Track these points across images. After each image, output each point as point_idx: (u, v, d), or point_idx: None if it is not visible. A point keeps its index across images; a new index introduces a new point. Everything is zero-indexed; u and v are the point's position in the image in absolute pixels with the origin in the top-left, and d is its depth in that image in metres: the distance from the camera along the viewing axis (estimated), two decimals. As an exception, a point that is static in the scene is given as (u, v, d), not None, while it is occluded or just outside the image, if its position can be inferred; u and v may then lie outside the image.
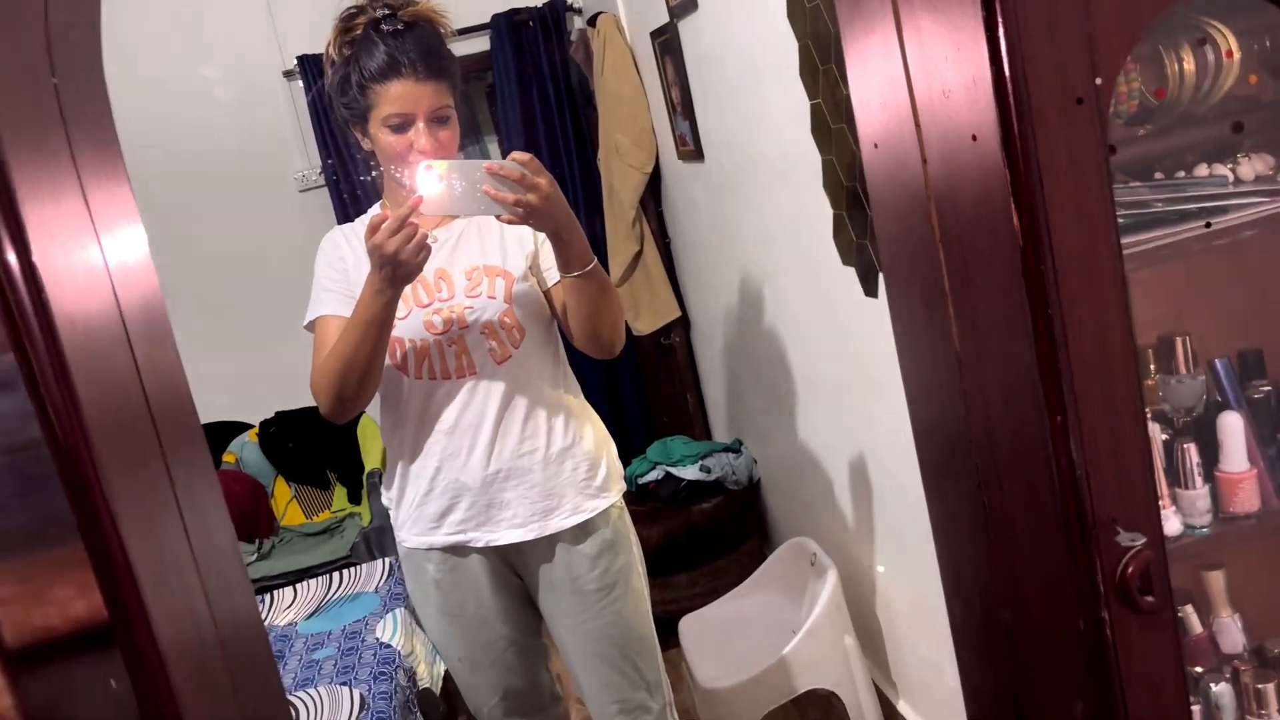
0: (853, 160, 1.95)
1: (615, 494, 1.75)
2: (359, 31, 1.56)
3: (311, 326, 1.66)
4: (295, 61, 3.74)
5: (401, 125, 1.55)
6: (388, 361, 1.63)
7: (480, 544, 1.68)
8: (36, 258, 0.65)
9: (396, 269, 1.41)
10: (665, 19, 2.91)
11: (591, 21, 3.59)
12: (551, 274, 1.64)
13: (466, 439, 1.63)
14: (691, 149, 3.01)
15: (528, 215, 1.39)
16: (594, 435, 1.75)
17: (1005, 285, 0.74)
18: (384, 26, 1.55)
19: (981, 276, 0.78)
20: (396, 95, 1.53)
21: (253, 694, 0.85)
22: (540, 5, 3.85)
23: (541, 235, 1.61)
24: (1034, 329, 0.72)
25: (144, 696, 0.68)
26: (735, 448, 3.24)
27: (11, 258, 0.65)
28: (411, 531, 1.71)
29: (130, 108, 3.74)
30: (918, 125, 0.81)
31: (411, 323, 1.61)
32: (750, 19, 2.31)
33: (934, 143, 0.79)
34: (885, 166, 0.89)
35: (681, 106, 3.01)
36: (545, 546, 1.69)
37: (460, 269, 1.65)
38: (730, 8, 2.43)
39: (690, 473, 3.15)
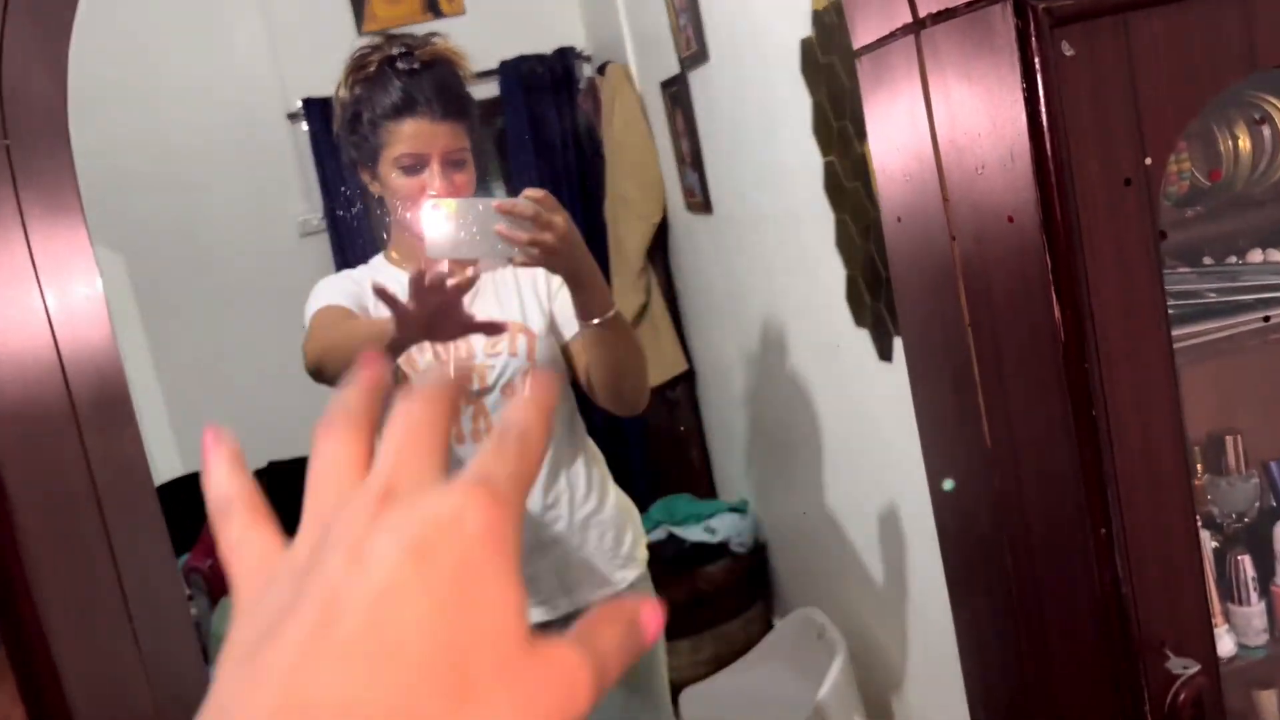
0: (868, 222, 1.89)
1: (641, 562, 1.65)
2: (372, 69, 1.48)
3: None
4: (300, 104, 3.71)
5: (414, 166, 1.45)
6: None
7: None
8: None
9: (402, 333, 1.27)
10: (676, 69, 2.87)
11: (601, 70, 3.57)
12: (570, 327, 1.53)
13: None
14: (700, 201, 2.96)
15: (543, 256, 1.27)
16: (616, 499, 1.65)
17: (1043, 380, 0.67)
18: (400, 65, 1.47)
19: (1016, 367, 0.71)
20: (410, 134, 1.44)
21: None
22: (549, 53, 3.83)
23: (556, 286, 1.53)
24: (1076, 431, 0.65)
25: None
26: (741, 508, 3.15)
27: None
28: None
29: (128, 147, 3.72)
30: (946, 200, 0.75)
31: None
32: (763, 72, 2.27)
33: (965, 220, 0.73)
34: (909, 242, 0.83)
35: (691, 158, 2.96)
36: (571, 622, 1.58)
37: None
38: (742, 61, 2.39)
39: (695, 534, 3.06)
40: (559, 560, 1.56)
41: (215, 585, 3.19)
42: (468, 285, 1.26)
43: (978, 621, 0.85)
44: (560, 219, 1.26)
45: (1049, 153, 0.62)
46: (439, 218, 1.26)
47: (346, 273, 1.63)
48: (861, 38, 0.84)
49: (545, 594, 1.56)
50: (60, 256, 0.74)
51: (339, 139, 1.54)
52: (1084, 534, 0.66)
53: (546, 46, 3.83)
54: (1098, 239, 0.64)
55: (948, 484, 0.78)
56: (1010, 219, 0.66)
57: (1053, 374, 0.66)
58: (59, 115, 0.77)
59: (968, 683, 0.85)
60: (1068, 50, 0.63)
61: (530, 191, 1.26)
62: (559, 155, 3.82)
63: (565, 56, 3.85)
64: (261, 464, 3.66)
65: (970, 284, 0.74)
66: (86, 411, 0.72)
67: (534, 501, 1.54)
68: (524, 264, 1.29)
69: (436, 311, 1.25)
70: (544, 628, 1.58)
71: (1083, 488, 0.66)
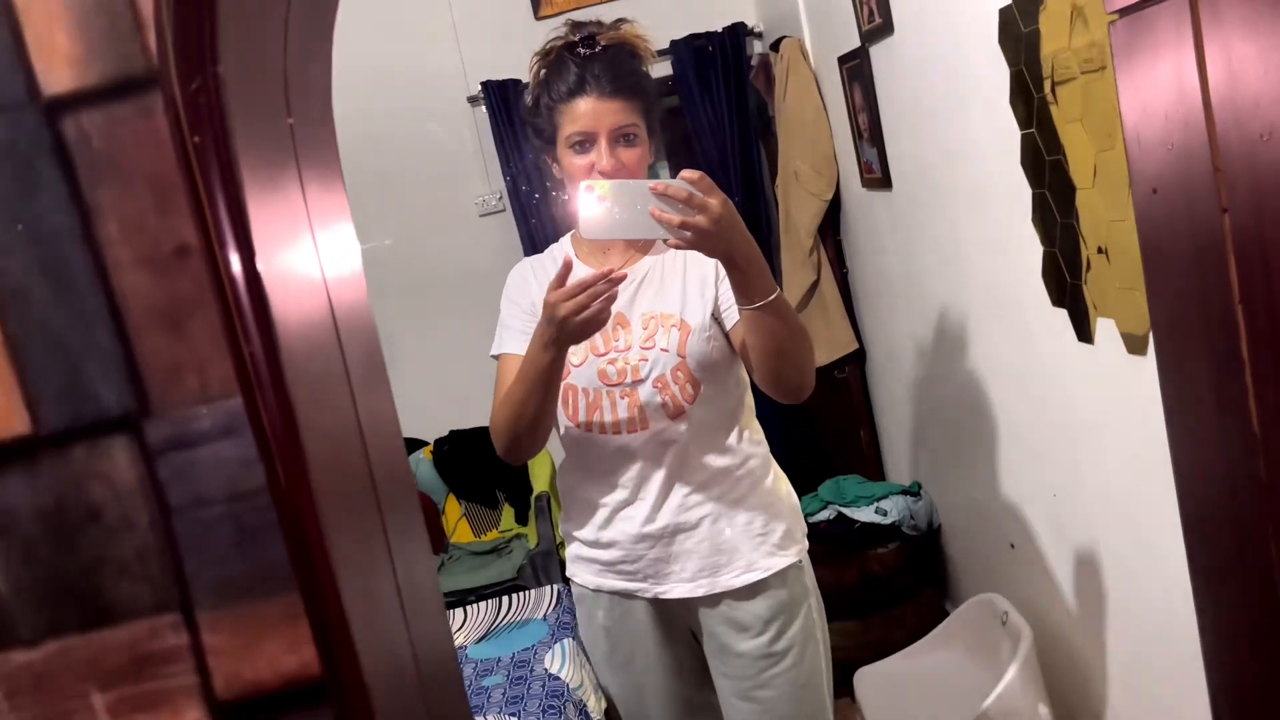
0: (1070, 195, 1.80)
1: (794, 553, 1.64)
2: (553, 55, 1.56)
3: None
4: (479, 86, 3.82)
5: (584, 144, 1.50)
6: (561, 410, 1.60)
7: (649, 595, 1.63)
8: (272, 296, 0.63)
9: (562, 331, 1.37)
10: (856, 43, 2.81)
11: (774, 46, 3.53)
12: (732, 313, 1.53)
13: (637, 493, 1.59)
14: (878, 176, 2.90)
15: (696, 239, 1.28)
16: (773, 488, 1.65)
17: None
18: (579, 50, 1.53)
19: (1298, 348, 0.66)
20: (580, 113, 1.50)
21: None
22: (720, 30, 3.81)
23: (723, 272, 1.51)
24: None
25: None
26: (914, 491, 3.09)
27: (240, 275, 0.62)
28: (583, 570, 1.69)
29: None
30: (1218, 170, 0.70)
31: (586, 371, 1.57)
32: (954, 43, 2.19)
33: (1241, 191, 0.68)
34: (1166, 215, 0.78)
35: (869, 133, 2.90)
36: (716, 603, 1.62)
37: (638, 315, 1.59)
38: (931, 32, 2.31)
39: (865, 515, 3.01)
40: (703, 542, 1.58)
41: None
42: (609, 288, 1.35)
43: (1228, 615, 0.80)
44: (715, 201, 1.26)
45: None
46: (592, 199, 1.29)
47: (530, 264, 1.69)
48: (1115, -1, 0.80)
49: (690, 574, 1.59)
50: (331, 226, 0.79)
51: (527, 127, 1.63)
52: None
53: (718, 23, 3.82)
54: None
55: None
56: (1304, 188, 0.61)
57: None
58: (328, 96, 0.82)
59: (1210, 676, 0.81)
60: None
61: (686, 173, 1.26)
62: (730, 133, 3.81)
63: (736, 33, 3.83)
64: (443, 432, 3.82)
65: (1243, 259, 0.70)
66: (357, 373, 0.77)
67: (682, 487, 1.57)
68: (677, 246, 1.30)
69: (571, 323, 1.35)
70: (688, 604, 1.62)
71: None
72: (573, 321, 1.34)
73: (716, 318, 1.57)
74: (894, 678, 2.44)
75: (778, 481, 1.68)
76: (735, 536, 1.59)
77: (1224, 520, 0.78)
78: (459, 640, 2.58)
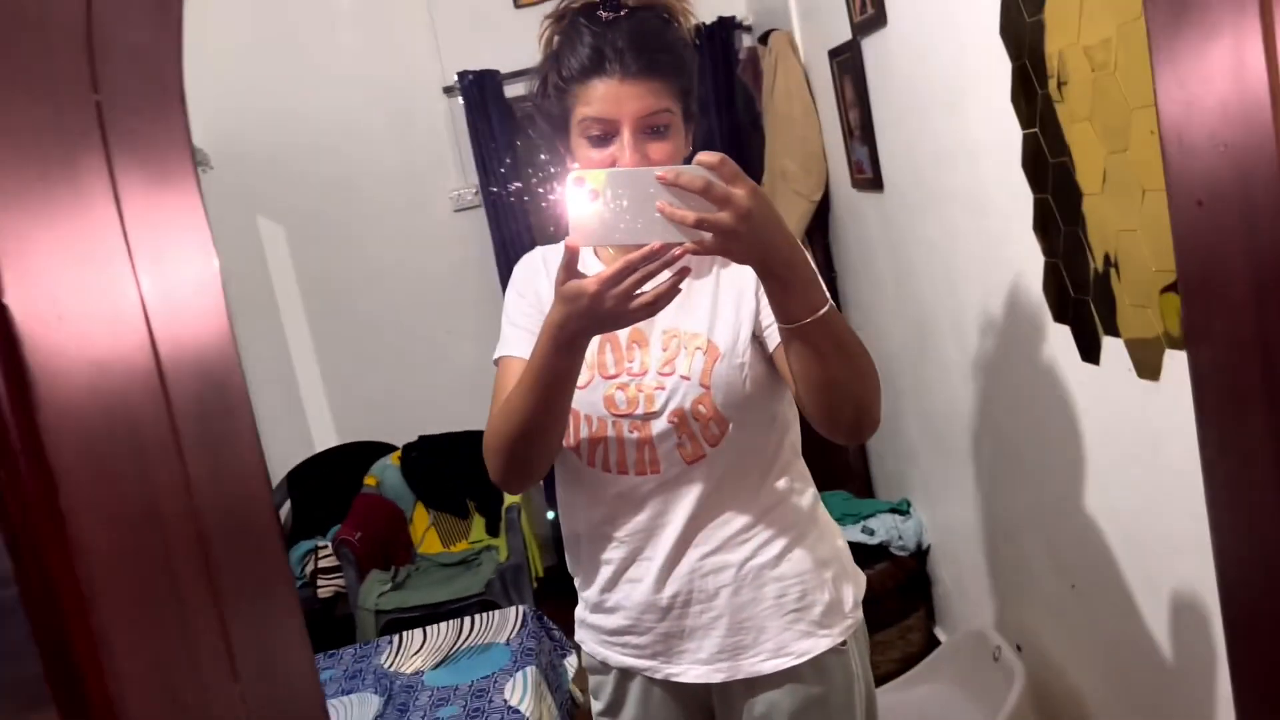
0: (1076, 201, 1.65)
1: (838, 632, 1.31)
2: (568, 21, 1.22)
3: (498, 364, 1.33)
4: (455, 77, 3.66)
5: (604, 136, 1.18)
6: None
7: (660, 675, 1.34)
8: (29, 337, 0.47)
9: (595, 321, 1.06)
10: (847, 36, 2.65)
11: (763, 39, 3.37)
12: (776, 331, 1.21)
13: (644, 552, 1.30)
14: (869, 177, 2.74)
15: (719, 241, 0.98)
16: (816, 550, 1.32)
17: None
18: (600, 13, 1.20)
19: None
20: (597, 96, 1.17)
21: None
22: (709, 23, 3.66)
23: None
24: None
25: None
26: (903, 509, 2.93)
27: None
28: (588, 638, 1.41)
29: (292, 121, 3.75)
30: (1288, 178, 0.55)
31: (590, 395, 1.26)
32: (952, 36, 2.04)
33: (1320, 206, 0.53)
34: (1215, 233, 0.63)
35: (860, 131, 2.74)
36: (736, 690, 1.33)
37: (658, 332, 1.27)
38: (928, 23, 2.15)
39: (851, 534, 2.86)
40: (720, 618, 1.30)
41: (363, 558, 3.18)
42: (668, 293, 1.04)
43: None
44: (741, 192, 0.96)
45: None
46: (582, 195, 0.98)
47: (542, 254, 1.39)
48: (1151, -34, 0.65)
49: (706, 654, 1.31)
50: (165, 234, 0.62)
51: (537, 111, 1.31)
52: None
53: (705, 16, 3.66)
54: None
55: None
56: None
57: None
58: (168, 72, 0.66)
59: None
60: None
61: (704, 156, 0.96)
62: (714, 128, 3.66)
63: (725, 26, 3.68)
64: (412, 437, 3.66)
65: (1320, 292, 0.54)
66: (191, 420, 0.60)
67: (697, 548, 1.29)
68: (695, 251, 0.99)
69: (623, 314, 1.05)
70: (703, 693, 1.36)
71: None
72: (626, 307, 1.04)
73: (759, 337, 1.26)
74: (883, 713, 2.28)
75: (823, 538, 1.35)
76: (762, 611, 1.30)
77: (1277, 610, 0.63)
78: (417, 665, 2.42)
